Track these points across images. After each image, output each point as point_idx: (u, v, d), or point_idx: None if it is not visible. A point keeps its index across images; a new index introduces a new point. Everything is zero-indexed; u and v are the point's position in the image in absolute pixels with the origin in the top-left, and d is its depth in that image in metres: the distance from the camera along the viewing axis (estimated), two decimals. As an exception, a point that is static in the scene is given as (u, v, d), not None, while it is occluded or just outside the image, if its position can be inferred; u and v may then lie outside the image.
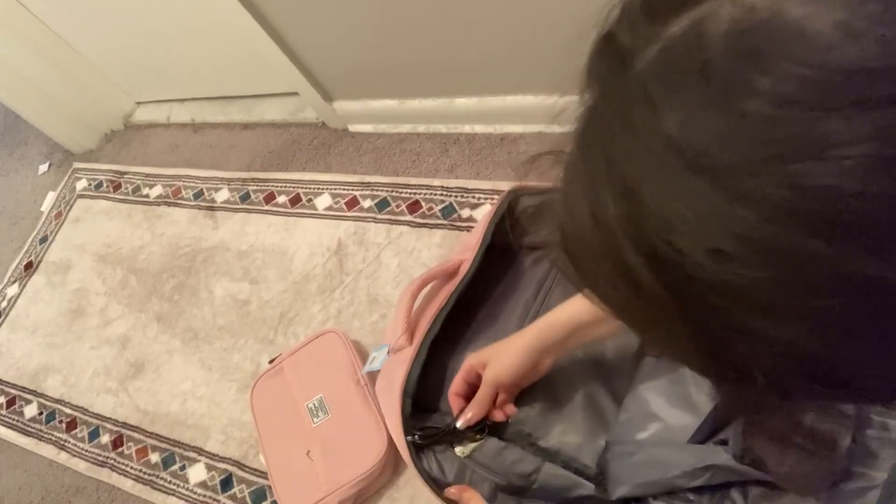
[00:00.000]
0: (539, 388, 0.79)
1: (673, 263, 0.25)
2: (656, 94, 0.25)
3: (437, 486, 0.78)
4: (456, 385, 0.80)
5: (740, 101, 0.23)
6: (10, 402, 1.41)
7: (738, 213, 0.23)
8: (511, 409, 0.80)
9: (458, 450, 0.80)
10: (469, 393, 0.80)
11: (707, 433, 0.65)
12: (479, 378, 0.78)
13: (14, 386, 1.43)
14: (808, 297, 0.24)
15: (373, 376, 0.95)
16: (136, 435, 1.22)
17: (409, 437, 0.80)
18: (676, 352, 0.31)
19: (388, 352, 0.89)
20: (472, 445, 0.79)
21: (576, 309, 0.71)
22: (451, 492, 0.78)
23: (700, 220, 0.24)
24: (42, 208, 1.76)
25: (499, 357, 0.76)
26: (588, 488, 0.73)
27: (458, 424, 0.78)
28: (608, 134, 0.27)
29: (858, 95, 0.21)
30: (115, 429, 1.25)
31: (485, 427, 0.79)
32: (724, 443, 0.63)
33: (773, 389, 0.27)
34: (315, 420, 0.99)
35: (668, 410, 0.69)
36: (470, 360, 0.79)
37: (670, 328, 0.28)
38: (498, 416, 0.79)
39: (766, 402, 0.29)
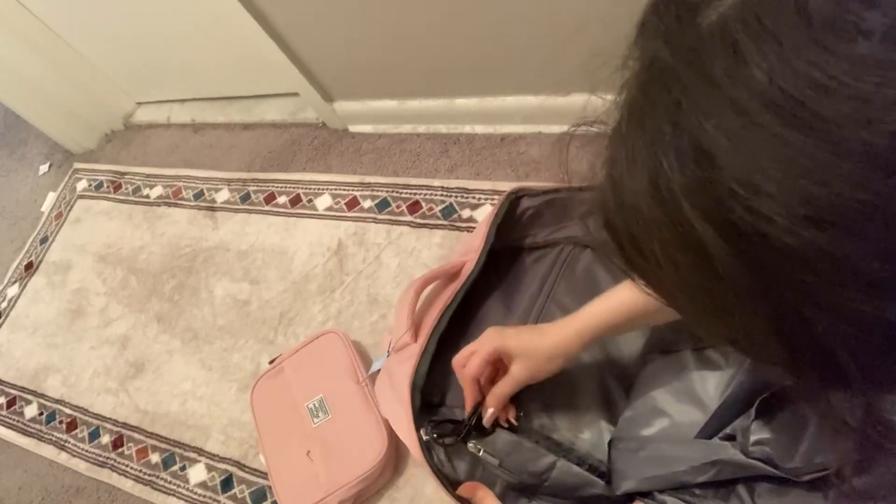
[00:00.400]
0: (553, 380, 0.76)
1: (754, 233, 0.22)
2: (742, 41, 0.22)
3: (448, 482, 0.77)
4: (475, 366, 0.73)
5: (849, 41, 0.20)
6: (11, 403, 1.41)
7: (844, 170, 0.20)
8: (513, 413, 0.78)
9: (471, 445, 0.78)
10: (487, 376, 0.75)
11: (714, 429, 0.65)
12: (498, 363, 0.74)
13: (14, 386, 1.43)
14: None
15: (374, 378, 0.95)
16: (136, 435, 1.22)
17: (425, 435, 0.78)
18: (743, 337, 0.27)
19: (389, 350, 0.89)
20: (484, 440, 0.78)
21: (625, 304, 0.65)
22: (465, 489, 0.76)
23: (794, 181, 0.21)
24: (42, 209, 1.76)
25: (535, 358, 0.70)
26: (599, 486, 0.73)
27: (485, 421, 0.75)
28: (677, 91, 0.24)
29: None
30: (115, 429, 1.25)
31: (497, 421, 0.79)
32: (731, 438, 0.63)
33: (859, 373, 0.24)
34: (315, 420, 0.99)
35: (675, 406, 0.69)
36: (494, 344, 0.72)
37: (743, 310, 0.25)
38: (504, 416, 0.78)
39: (846, 392, 0.26)
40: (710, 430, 0.65)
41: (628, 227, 0.28)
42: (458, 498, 0.77)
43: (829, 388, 0.26)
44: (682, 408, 0.68)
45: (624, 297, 0.65)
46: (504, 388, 0.73)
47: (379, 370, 0.91)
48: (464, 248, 0.96)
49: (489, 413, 0.75)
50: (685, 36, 0.24)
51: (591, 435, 0.77)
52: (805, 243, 0.22)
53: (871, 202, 0.20)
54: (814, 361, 0.25)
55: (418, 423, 0.79)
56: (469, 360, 0.74)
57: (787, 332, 0.24)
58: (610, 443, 0.74)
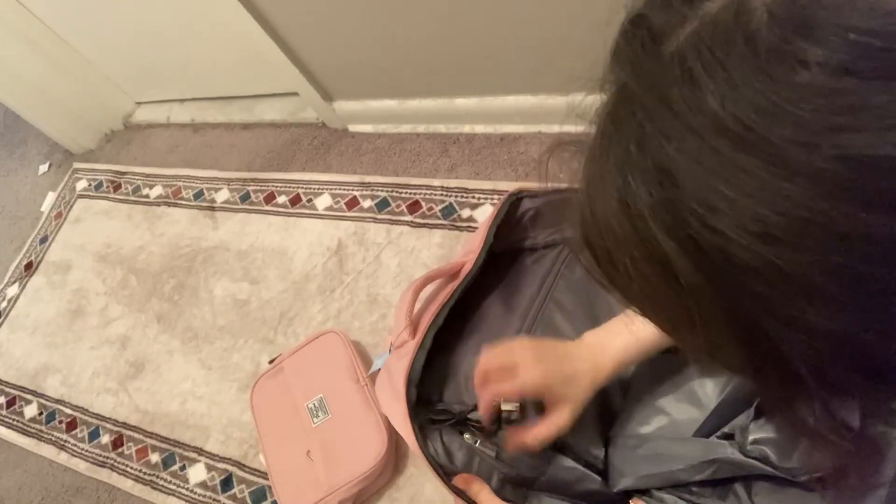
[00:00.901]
0: None
1: (713, 249, 0.24)
2: (697, 70, 0.24)
3: (444, 473, 0.77)
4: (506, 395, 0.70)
5: (791, 72, 0.22)
6: (10, 403, 1.41)
7: (788, 190, 0.22)
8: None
9: (467, 436, 0.78)
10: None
11: (712, 427, 0.65)
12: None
13: (14, 386, 1.43)
14: (862, 280, 0.22)
15: (374, 378, 0.95)
16: (136, 435, 1.22)
17: (420, 421, 0.78)
18: (712, 348, 0.29)
19: (390, 349, 0.89)
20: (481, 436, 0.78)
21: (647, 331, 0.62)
22: (459, 481, 0.75)
23: (746, 200, 0.23)
24: (42, 208, 1.76)
25: (575, 398, 0.66)
26: (595, 481, 0.73)
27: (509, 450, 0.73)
28: (641, 116, 0.26)
29: None
30: (115, 429, 1.25)
31: (499, 424, 0.79)
32: (729, 437, 0.63)
33: (818, 383, 0.25)
34: (315, 420, 0.99)
35: (673, 404, 0.69)
36: (525, 388, 0.67)
37: (707, 321, 0.26)
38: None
39: (807, 400, 0.27)
40: (708, 428, 0.65)
41: (603, 242, 0.29)
42: (454, 490, 0.77)
43: (791, 396, 0.27)
44: (681, 406, 0.68)
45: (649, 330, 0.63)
46: (548, 434, 0.67)
47: (379, 369, 0.91)
48: (465, 249, 0.96)
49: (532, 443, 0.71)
50: (648, 63, 0.26)
51: (587, 431, 0.77)
52: (758, 258, 0.23)
53: (813, 220, 0.22)
54: (774, 369, 0.26)
55: (414, 415, 0.79)
56: (501, 389, 0.69)
57: (747, 340, 0.26)
58: (608, 440, 0.74)
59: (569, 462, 0.74)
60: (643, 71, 0.26)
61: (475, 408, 0.81)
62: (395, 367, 0.83)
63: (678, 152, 0.24)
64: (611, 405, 0.78)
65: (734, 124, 0.23)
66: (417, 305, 0.90)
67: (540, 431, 0.68)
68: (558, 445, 0.77)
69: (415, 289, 0.88)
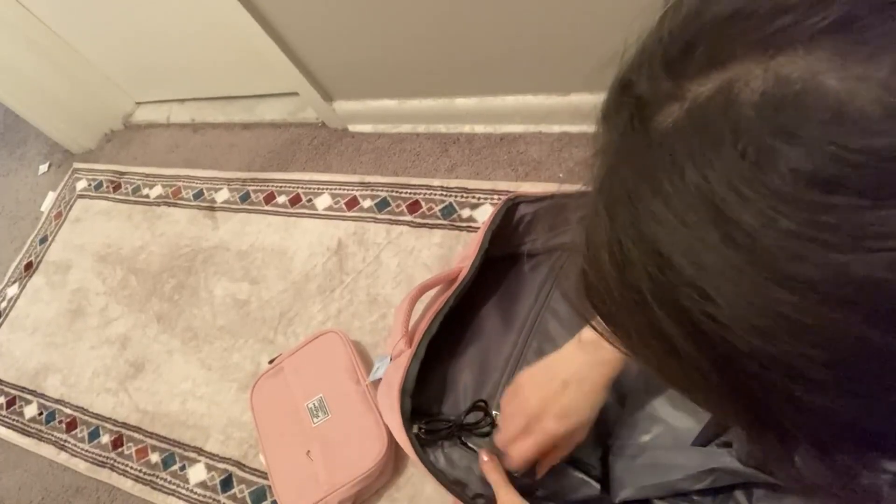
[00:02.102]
0: None
1: (711, 332, 0.23)
2: (686, 162, 0.23)
3: (444, 478, 0.77)
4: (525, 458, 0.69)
5: (777, 181, 0.21)
6: (10, 403, 1.41)
7: (780, 295, 0.21)
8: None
9: (467, 442, 0.79)
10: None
11: (711, 436, 0.65)
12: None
13: (14, 386, 1.43)
14: (857, 377, 0.22)
15: (376, 385, 0.95)
16: (136, 435, 1.22)
17: (415, 430, 0.78)
18: (715, 409, 0.29)
19: (391, 357, 0.89)
20: (479, 440, 0.78)
21: None
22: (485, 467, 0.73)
23: (740, 297, 0.22)
24: (42, 208, 1.76)
25: (586, 420, 0.66)
26: (594, 489, 0.73)
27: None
28: (634, 195, 0.25)
29: None
30: (115, 429, 1.25)
31: (493, 422, 0.79)
32: (727, 445, 0.63)
33: (816, 452, 0.25)
34: (315, 420, 0.99)
35: (672, 413, 0.69)
36: (547, 444, 0.67)
37: (708, 389, 0.26)
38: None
39: (804, 455, 0.27)
40: (707, 436, 0.65)
41: (605, 304, 0.28)
42: (456, 493, 0.77)
43: (790, 454, 0.27)
44: (679, 414, 0.68)
45: None
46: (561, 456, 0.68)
47: (379, 379, 0.91)
48: (462, 254, 0.96)
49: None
50: (636, 142, 0.25)
51: (585, 442, 0.77)
52: (753, 347, 0.23)
53: (808, 325, 0.21)
54: (774, 433, 0.26)
55: (409, 426, 0.79)
56: (527, 452, 0.67)
57: (749, 411, 0.25)
58: (608, 449, 0.74)
59: (568, 469, 0.74)
60: (632, 149, 0.25)
61: (472, 409, 0.81)
62: (393, 378, 0.83)
63: (671, 240, 0.23)
64: (609, 414, 0.78)
65: (725, 223, 0.22)
66: (416, 313, 0.90)
67: (561, 452, 0.68)
68: None
69: (411, 298, 0.88)
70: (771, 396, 0.24)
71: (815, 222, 0.20)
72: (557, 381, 0.65)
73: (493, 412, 0.80)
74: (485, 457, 0.72)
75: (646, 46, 0.26)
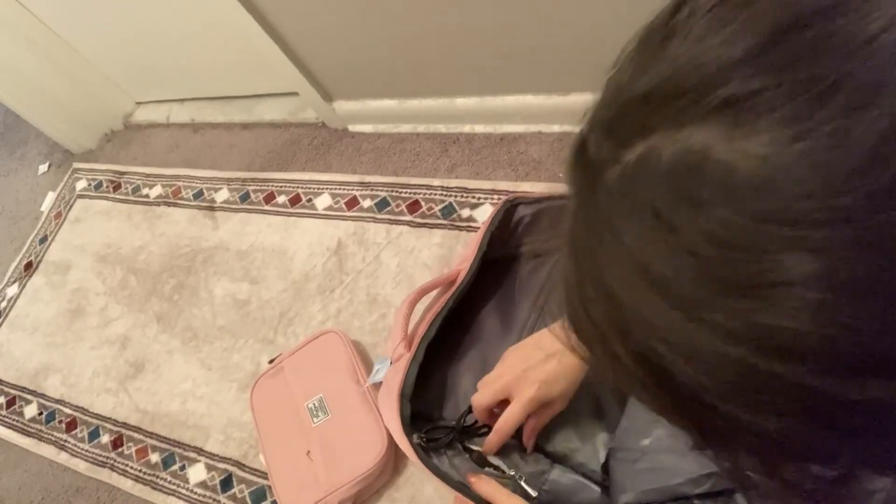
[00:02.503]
0: None
1: (656, 361, 0.26)
2: (618, 221, 0.26)
3: (450, 480, 0.77)
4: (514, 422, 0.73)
5: (685, 239, 0.23)
6: (10, 403, 1.41)
7: (702, 337, 0.24)
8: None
9: (470, 447, 0.79)
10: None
11: None
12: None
13: (14, 386, 1.43)
14: (780, 411, 0.24)
15: (377, 387, 0.94)
16: (136, 435, 1.22)
17: (416, 439, 0.78)
18: (675, 425, 0.32)
19: (391, 361, 0.89)
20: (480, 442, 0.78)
21: None
22: (473, 480, 0.75)
23: (671, 334, 0.25)
24: (42, 208, 1.76)
25: (563, 391, 0.70)
26: (594, 492, 0.73)
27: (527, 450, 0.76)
28: (588, 240, 0.28)
29: (790, 239, 0.21)
30: (115, 429, 1.25)
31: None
32: None
33: (763, 469, 0.28)
34: (315, 420, 0.99)
35: None
36: (525, 412, 0.71)
37: (664, 409, 0.29)
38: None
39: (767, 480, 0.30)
40: None
41: (577, 331, 0.32)
42: (463, 492, 0.77)
43: (772, 470, 0.29)
44: None
45: None
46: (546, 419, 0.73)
47: (379, 381, 0.91)
48: (462, 255, 0.96)
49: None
50: (588, 196, 0.28)
51: (584, 445, 0.77)
52: (689, 376, 0.25)
53: (729, 359, 0.23)
54: (730, 455, 0.29)
55: (408, 430, 0.79)
56: (512, 415, 0.72)
57: (701, 430, 0.28)
58: (609, 453, 0.74)
59: (569, 473, 0.74)
60: (584, 202, 0.28)
61: (469, 410, 0.81)
62: (393, 382, 0.83)
63: (615, 282, 0.26)
64: (607, 418, 0.78)
65: (650, 273, 0.24)
66: (416, 315, 0.90)
67: (541, 421, 0.73)
68: (558, 457, 0.77)
69: (410, 301, 0.88)
70: (710, 415, 0.26)
71: (720, 277, 0.23)
72: (542, 352, 0.70)
73: None
74: (471, 479, 0.74)
75: (599, 103, 0.28)
